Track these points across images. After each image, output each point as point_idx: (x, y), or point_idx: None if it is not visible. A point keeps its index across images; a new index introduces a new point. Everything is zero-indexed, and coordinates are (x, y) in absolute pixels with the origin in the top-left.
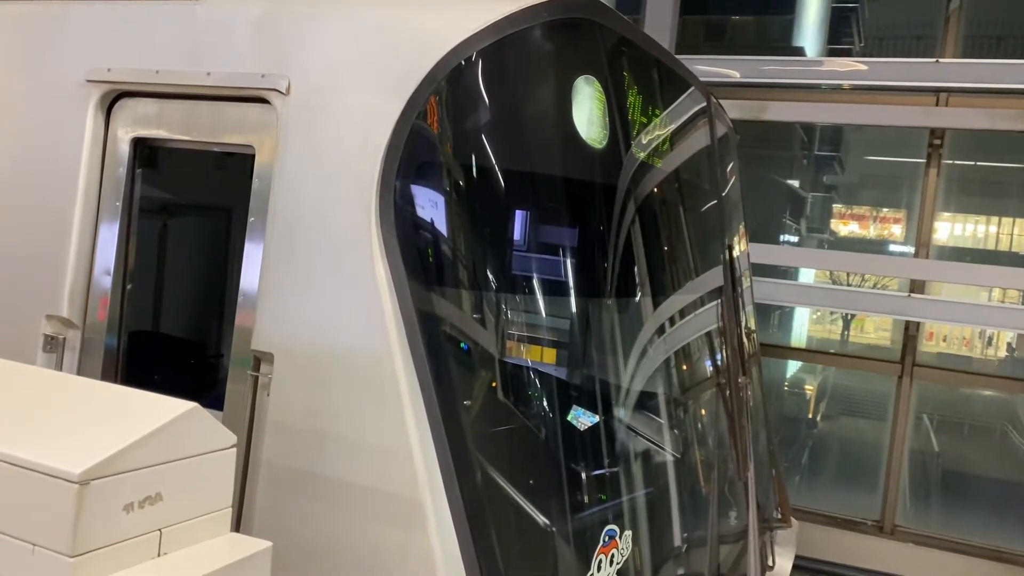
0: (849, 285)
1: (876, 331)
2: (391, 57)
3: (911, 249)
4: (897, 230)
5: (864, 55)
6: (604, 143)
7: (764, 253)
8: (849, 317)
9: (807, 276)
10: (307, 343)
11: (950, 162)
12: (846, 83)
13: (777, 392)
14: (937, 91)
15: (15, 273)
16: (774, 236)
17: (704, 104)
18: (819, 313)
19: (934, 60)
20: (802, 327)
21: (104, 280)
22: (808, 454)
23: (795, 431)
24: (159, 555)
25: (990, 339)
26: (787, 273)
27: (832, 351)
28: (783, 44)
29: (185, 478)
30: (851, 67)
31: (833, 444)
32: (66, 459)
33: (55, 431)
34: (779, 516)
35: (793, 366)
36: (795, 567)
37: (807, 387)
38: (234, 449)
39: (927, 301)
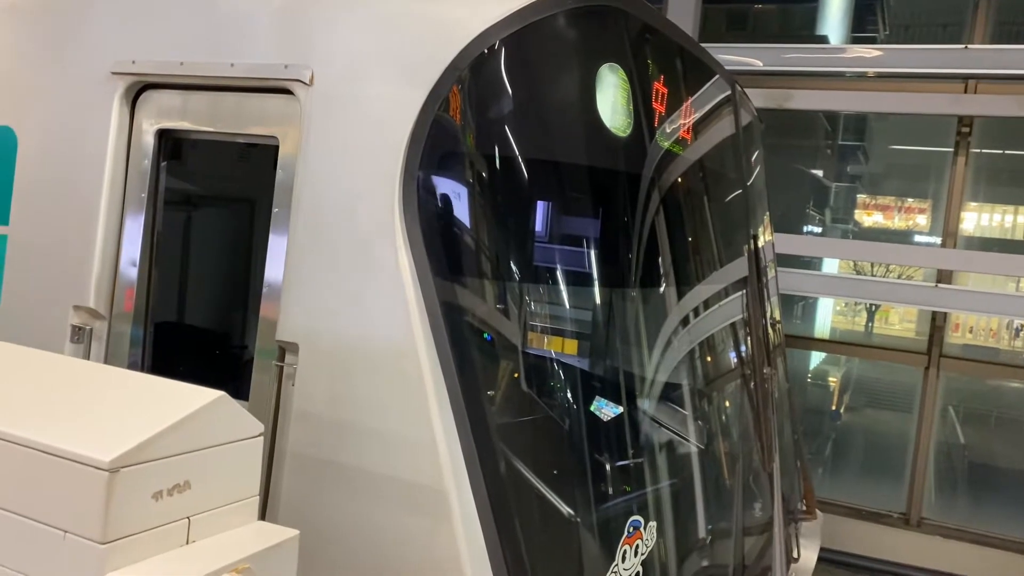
0: (873, 276)
1: (901, 322)
2: (414, 46)
3: (936, 239)
4: (922, 220)
5: (889, 44)
6: (628, 132)
7: (789, 243)
8: (873, 308)
9: (830, 267)
10: (331, 333)
11: (978, 151)
12: (871, 70)
13: (800, 384)
14: (966, 78)
15: (43, 264)
16: (797, 226)
17: (729, 92)
18: (843, 304)
19: (963, 47)
20: (826, 318)
21: (130, 271)
22: (832, 446)
23: (819, 423)
24: (187, 542)
25: (1018, 330)
26: (811, 264)
27: (859, 343)
28: (806, 33)
29: (213, 466)
30: (877, 54)
31: (857, 436)
32: (97, 447)
33: (86, 419)
34: (804, 508)
35: (816, 357)
36: (820, 559)
37: (831, 379)
38: (261, 438)
39: (955, 291)
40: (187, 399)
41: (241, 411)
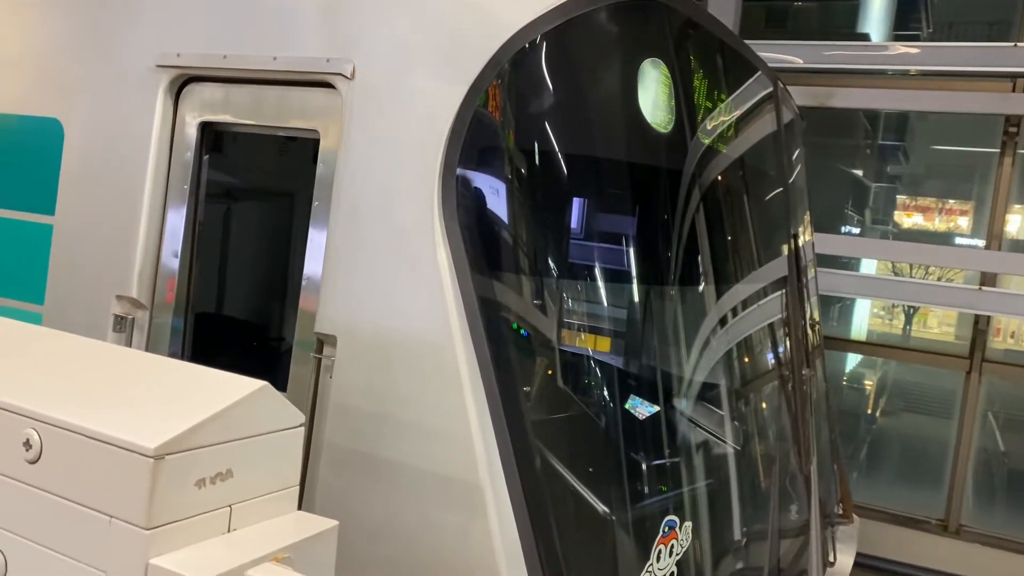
0: (912, 278)
1: (940, 326)
2: (455, 40)
3: (976, 242)
4: (963, 222)
5: (932, 42)
6: (670, 129)
7: (829, 243)
8: (911, 311)
9: (868, 268)
10: (370, 327)
11: None
12: (916, 68)
13: (835, 386)
14: (1015, 76)
15: (87, 254)
16: (835, 226)
17: (771, 89)
18: (880, 307)
19: (1012, 44)
20: (862, 320)
21: (172, 262)
22: (868, 450)
23: (854, 426)
24: (228, 530)
25: None
26: (848, 265)
27: (897, 346)
28: (847, 31)
29: (255, 455)
30: (922, 52)
31: (894, 440)
32: (142, 434)
33: (131, 406)
34: (840, 512)
35: (852, 360)
36: (856, 564)
37: (866, 382)
38: (302, 428)
39: (1001, 295)
40: (230, 388)
41: (283, 401)
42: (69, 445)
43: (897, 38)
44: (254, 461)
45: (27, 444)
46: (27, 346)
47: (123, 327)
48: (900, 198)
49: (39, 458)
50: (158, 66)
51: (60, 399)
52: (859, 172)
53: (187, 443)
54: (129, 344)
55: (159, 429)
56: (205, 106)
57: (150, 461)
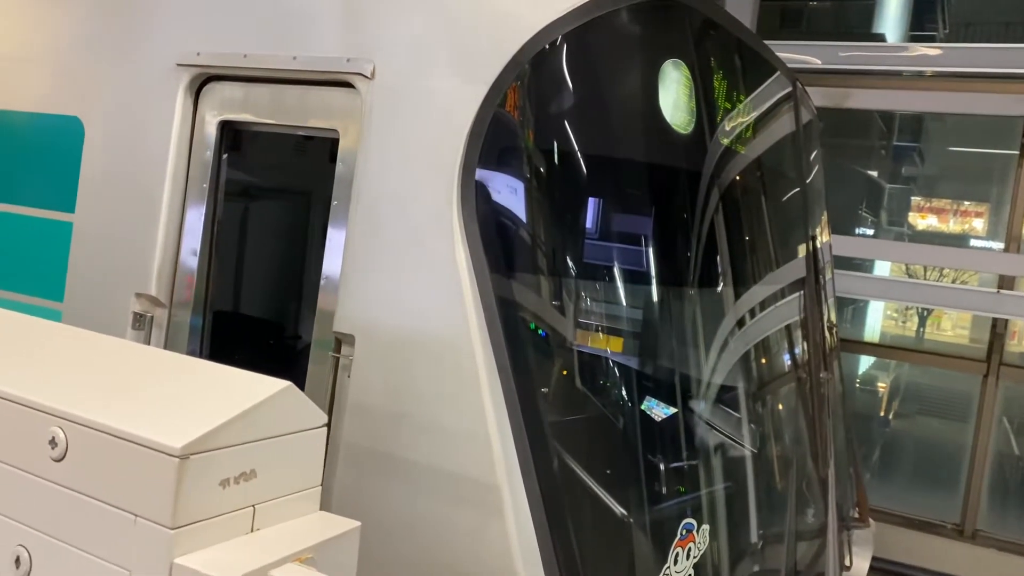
0: (926, 280)
1: (954, 328)
2: (475, 40)
3: (992, 244)
4: (979, 224)
5: (948, 42)
6: (690, 130)
7: (845, 245)
8: (925, 313)
9: (881, 270)
10: (388, 326)
11: None
12: (934, 69)
13: (848, 388)
14: None
15: (107, 252)
16: (849, 228)
17: (790, 89)
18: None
19: None
20: (875, 322)
21: (191, 260)
22: (882, 453)
23: (867, 429)
24: (252, 530)
25: None
26: (861, 266)
27: (912, 348)
28: (862, 31)
29: (278, 456)
30: (941, 53)
31: (907, 443)
32: (168, 433)
33: (156, 405)
34: (856, 515)
35: (865, 362)
36: (872, 568)
37: (879, 384)
38: (324, 428)
39: (1020, 298)
40: (254, 388)
41: (306, 401)
42: (95, 443)
43: (913, 39)
44: (277, 461)
45: (53, 442)
46: (51, 344)
47: (142, 325)
48: (915, 199)
49: (64, 456)
50: (178, 65)
51: (85, 397)
52: (873, 173)
53: (212, 443)
54: (148, 341)
55: (184, 429)
56: (225, 105)
57: (176, 461)
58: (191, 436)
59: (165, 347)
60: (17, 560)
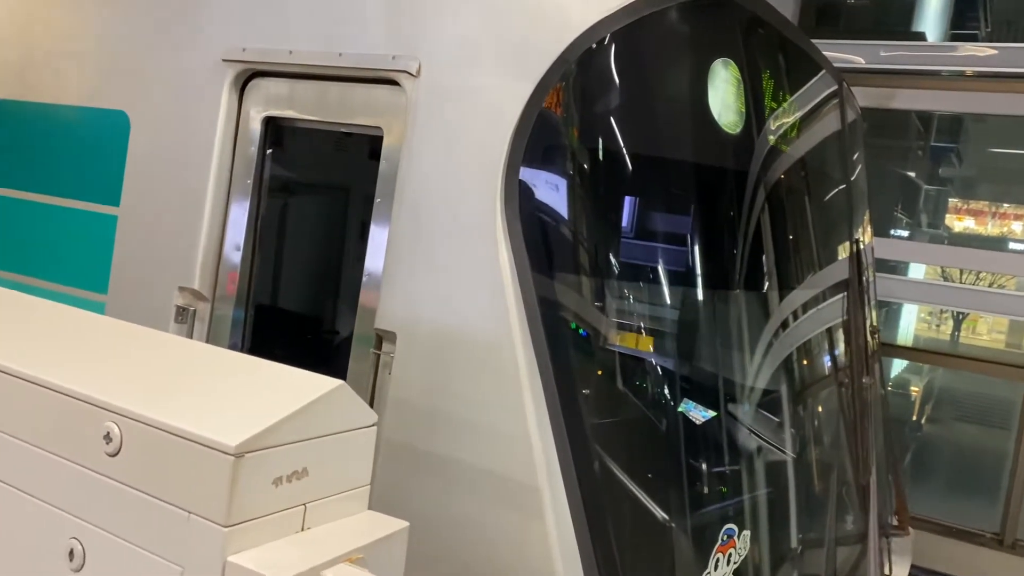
0: (962, 284)
1: (990, 332)
2: (522, 38)
3: None
4: (1018, 227)
5: (990, 40)
6: (737, 130)
7: (882, 247)
8: (960, 316)
9: (916, 273)
10: (429, 324)
11: None
12: (971, 69)
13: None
14: None
15: (151, 246)
16: (884, 230)
17: (836, 88)
18: (928, 312)
19: None
20: (909, 325)
21: (234, 255)
22: (916, 458)
23: (900, 434)
24: (303, 529)
25: None
26: (896, 269)
27: (947, 352)
28: (902, 29)
29: (330, 454)
30: (991, 53)
31: (943, 450)
32: (223, 431)
33: (210, 402)
34: (896, 523)
35: (898, 366)
36: None
37: (912, 388)
38: (375, 427)
39: None
40: (308, 386)
41: (358, 400)
42: (149, 440)
43: (954, 37)
44: (329, 460)
45: (107, 437)
46: (101, 337)
47: (184, 318)
48: (952, 201)
49: (119, 451)
50: (224, 60)
51: (139, 393)
52: (910, 174)
53: (267, 441)
54: (190, 335)
55: (239, 427)
56: (269, 101)
57: (231, 459)
58: (246, 434)
59: (207, 341)
60: (71, 553)
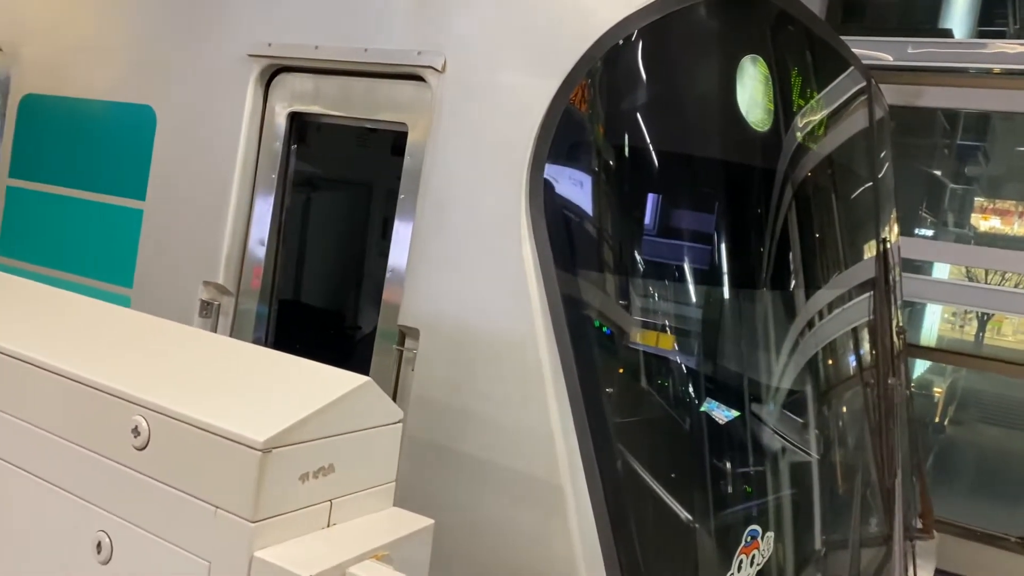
0: (987, 284)
1: (1015, 333)
2: (547, 35)
3: None
4: None
5: (1018, 38)
6: (766, 128)
7: (907, 247)
8: (985, 317)
9: (940, 273)
10: (453, 321)
11: None
12: (999, 67)
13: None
14: None
15: (176, 240)
16: (909, 229)
17: (864, 85)
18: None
19: None
20: (932, 325)
21: (258, 250)
22: (939, 460)
23: (923, 436)
24: (328, 525)
25: None
26: (920, 268)
27: (970, 353)
28: (928, 26)
29: (356, 451)
30: (1019, 50)
31: (967, 452)
32: (250, 426)
33: (237, 398)
34: (920, 526)
35: (920, 366)
36: None
37: (935, 389)
38: (400, 424)
39: None
40: (334, 382)
41: (384, 397)
42: (177, 434)
43: (981, 34)
44: (355, 456)
45: (135, 431)
46: (128, 330)
47: (209, 312)
48: (978, 200)
49: (147, 445)
50: (249, 56)
51: (167, 386)
52: (936, 172)
53: (294, 437)
54: (215, 329)
55: (267, 422)
56: (295, 96)
57: (258, 454)
58: (274, 430)
59: (231, 335)
60: (99, 545)
